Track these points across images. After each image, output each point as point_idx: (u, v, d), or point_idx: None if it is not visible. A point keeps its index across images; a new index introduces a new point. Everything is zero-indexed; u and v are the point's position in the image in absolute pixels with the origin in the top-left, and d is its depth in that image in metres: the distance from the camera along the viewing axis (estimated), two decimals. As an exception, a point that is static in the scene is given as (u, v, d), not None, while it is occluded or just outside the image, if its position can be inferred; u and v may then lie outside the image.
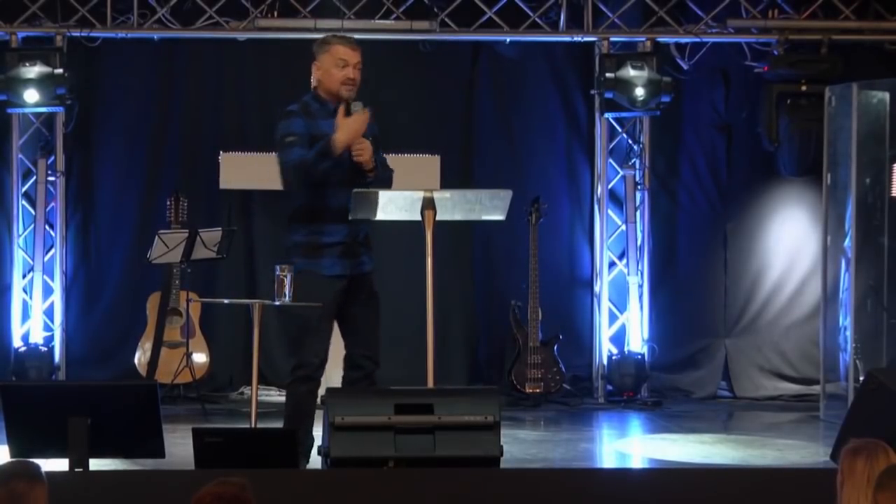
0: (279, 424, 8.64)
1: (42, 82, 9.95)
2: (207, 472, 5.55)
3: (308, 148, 7.01)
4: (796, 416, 10.19)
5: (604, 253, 10.72)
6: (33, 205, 10.49)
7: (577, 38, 10.63)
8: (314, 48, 7.28)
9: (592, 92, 10.62)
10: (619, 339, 10.67)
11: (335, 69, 7.15)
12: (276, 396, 10.53)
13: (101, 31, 10.28)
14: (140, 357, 10.11)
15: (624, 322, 10.69)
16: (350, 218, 7.06)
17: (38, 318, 10.43)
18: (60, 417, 5.86)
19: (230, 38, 10.54)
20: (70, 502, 5.39)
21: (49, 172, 10.44)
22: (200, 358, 10.10)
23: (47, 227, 10.49)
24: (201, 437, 6.08)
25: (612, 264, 10.76)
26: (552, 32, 10.55)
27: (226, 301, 9.68)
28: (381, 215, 7.76)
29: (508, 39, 10.66)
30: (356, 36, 10.36)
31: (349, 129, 7.01)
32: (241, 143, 10.48)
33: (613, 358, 10.58)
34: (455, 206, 7.84)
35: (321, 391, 6.94)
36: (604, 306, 10.67)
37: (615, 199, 10.80)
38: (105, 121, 10.63)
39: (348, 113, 7.06)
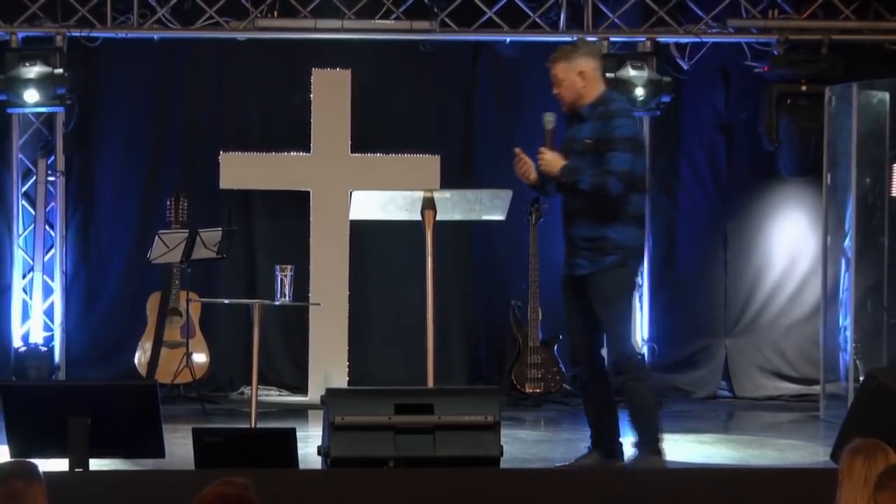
0: (279, 424, 8.65)
1: (42, 82, 9.93)
2: (207, 472, 5.55)
3: None
4: (796, 416, 10.18)
5: (604, 253, 10.69)
6: (33, 205, 10.49)
7: (577, 38, 10.61)
8: None
9: (593, 92, 10.61)
10: (619, 339, 10.65)
11: None
12: (276, 396, 10.53)
13: (101, 31, 10.28)
14: (140, 357, 10.10)
15: (624, 322, 10.68)
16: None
17: (38, 318, 10.43)
18: (60, 417, 5.87)
19: (230, 38, 10.53)
20: (70, 502, 5.39)
21: (49, 172, 10.43)
22: (200, 358, 10.09)
23: (47, 227, 10.49)
24: (201, 437, 6.08)
25: (612, 264, 10.74)
26: (552, 32, 10.54)
27: (226, 301, 9.69)
28: (381, 215, 7.76)
29: (508, 39, 10.65)
30: (356, 36, 10.49)
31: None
32: (241, 143, 10.48)
33: (613, 358, 10.57)
34: (455, 206, 7.84)
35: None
36: (604, 306, 10.64)
37: (615, 198, 10.78)
38: (105, 121, 10.62)
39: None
